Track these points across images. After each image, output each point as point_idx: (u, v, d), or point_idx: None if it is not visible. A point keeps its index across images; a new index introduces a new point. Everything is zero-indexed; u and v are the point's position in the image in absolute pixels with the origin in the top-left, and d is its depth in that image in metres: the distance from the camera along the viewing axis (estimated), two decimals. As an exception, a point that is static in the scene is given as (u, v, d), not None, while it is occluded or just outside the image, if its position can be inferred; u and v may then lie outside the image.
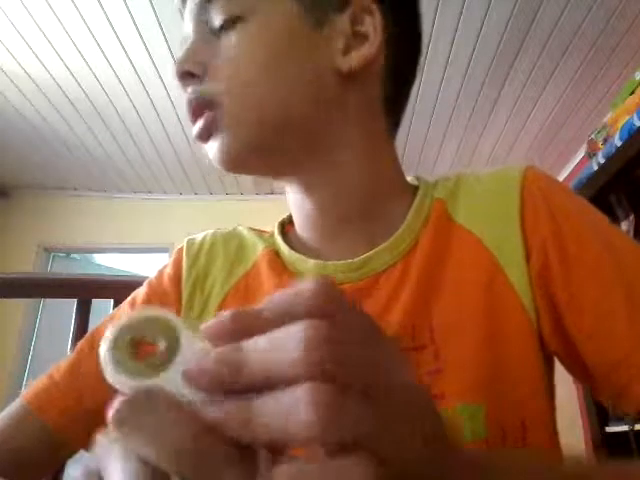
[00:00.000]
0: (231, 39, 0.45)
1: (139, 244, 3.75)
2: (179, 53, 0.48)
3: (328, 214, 0.50)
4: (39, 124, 2.99)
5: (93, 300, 0.82)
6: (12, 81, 2.61)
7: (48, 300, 3.26)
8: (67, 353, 0.85)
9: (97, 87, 2.66)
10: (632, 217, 1.66)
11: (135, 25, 2.25)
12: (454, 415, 0.40)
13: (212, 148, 0.47)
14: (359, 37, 0.46)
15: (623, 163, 1.54)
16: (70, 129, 3.04)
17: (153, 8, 2.15)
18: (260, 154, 0.47)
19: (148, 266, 4.12)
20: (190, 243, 0.57)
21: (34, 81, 2.62)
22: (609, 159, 1.63)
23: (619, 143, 1.59)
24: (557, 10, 2.19)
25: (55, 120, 2.95)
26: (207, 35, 0.47)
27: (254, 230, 0.58)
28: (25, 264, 3.51)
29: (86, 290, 0.81)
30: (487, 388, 0.41)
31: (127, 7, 2.15)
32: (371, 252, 0.47)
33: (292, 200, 0.53)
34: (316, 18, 0.46)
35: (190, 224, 3.67)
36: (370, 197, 0.49)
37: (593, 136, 1.87)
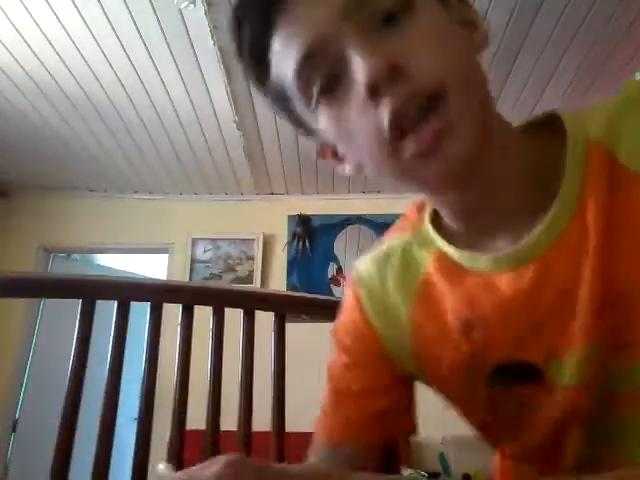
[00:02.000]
0: (415, 27, 0.41)
1: (139, 244, 3.75)
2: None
3: (492, 199, 0.47)
4: (39, 124, 2.99)
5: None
6: (12, 80, 2.62)
7: (48, 300, 3.26)
8: (67, 353, 0.85)
9: (97, 87, 2.66)
10: (632, 217, 1.67)
11: (135, 25, 2.25)
12: None
13: (442, 158, 0.41)
14: (466, 24, 0.46)
15: (623, 163, 1.54)
16: (70, 129, 3.04)
17: (153, 8, 2.16)
18: (482, 148, 0.43)
19: (148, 266, 4.12)
20: (358, 278, 0.58)
21: (34, 81, 2.62)
22: (609, 159, 1.63)
23: (619, 143, 1.59)
24: (557, 11, 2.19)
25: (55, 120, 2.95)
26: (367, 30, 0.41)
27: (393, 236, 0.58)
28: (25, 264, 3.51)
29: (85, 290, 0.82)
30: None
31: (127, 7, 2.15)
32: (535, 232, 0.45)
33: (444, 199, 0.50)
34: (446, 10, 0.45)
35: (190, 224, 3.67)
36: (529, 164, 0.47)
37: (593, 136, 1.87)
